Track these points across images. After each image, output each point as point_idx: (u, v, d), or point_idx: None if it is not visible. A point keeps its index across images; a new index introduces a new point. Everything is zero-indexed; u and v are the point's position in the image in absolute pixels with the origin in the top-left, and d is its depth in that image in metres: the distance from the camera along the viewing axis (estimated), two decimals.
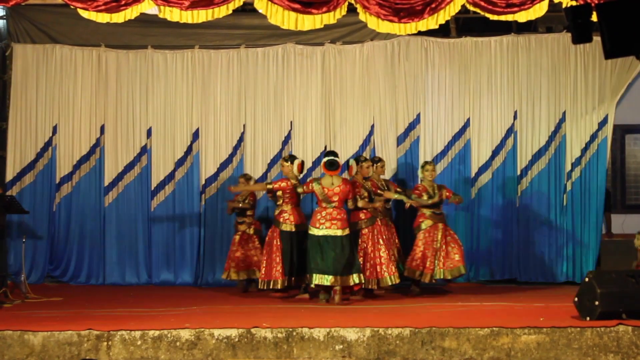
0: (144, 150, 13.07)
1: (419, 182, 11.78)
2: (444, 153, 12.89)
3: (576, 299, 9.10)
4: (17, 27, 13.08)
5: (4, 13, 13.13)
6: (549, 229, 12.71)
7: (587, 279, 9.06)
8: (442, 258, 11.38)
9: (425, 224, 11.47)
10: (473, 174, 12.87)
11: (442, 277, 11.39)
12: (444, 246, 11.40)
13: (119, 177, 13.03)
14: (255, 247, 12.04)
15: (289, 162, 11.42)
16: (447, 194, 11.63)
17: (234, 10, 10.21)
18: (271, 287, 11.22)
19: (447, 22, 10.81)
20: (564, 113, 12.79)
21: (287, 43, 13.02)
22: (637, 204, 13.43)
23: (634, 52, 8.91)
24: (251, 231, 12.09)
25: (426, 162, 11.78)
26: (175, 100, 13.07)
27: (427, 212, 11.50)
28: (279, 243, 11.26)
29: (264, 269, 11.27)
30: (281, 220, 11.33)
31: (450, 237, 11.49)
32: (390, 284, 11.21)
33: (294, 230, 11.30)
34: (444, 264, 11.37)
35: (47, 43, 13.09)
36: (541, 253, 12.72)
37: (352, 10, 10.26)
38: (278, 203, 11.43)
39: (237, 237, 12.08)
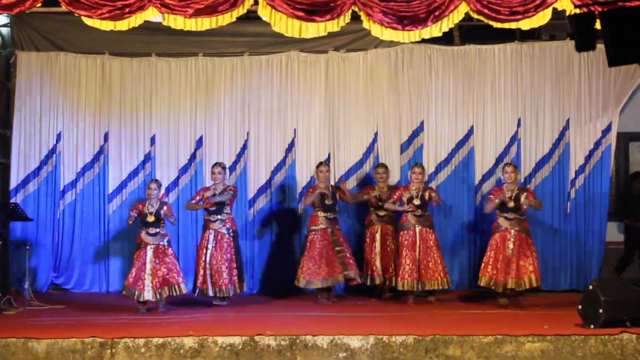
0: (148, 157, 13.07)
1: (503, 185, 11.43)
2: (447, 161, 12.88)
3: (580, 306, 9.11)
4: (21, 35, 13.10)
5: (8, 21, 13.15)
6: (552, 237, 12.69)
7: (591, 287, 9.07)
8: (512, 267, 10.97)
9: (498, 229, 11.15)
10: (477, 182, 12.87)
11: (512, 287, 10.98)
12: (514, 254, 10.99)
13: (123, 184, 13.03)
14: (172, 261, 11.10)
15: (225, 170, 11.69)
16: (528, 196, 11.19)
17: (237, 18, 10.22)
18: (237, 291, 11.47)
19: (451, 29, 10.84)
20: (568, 121, 12.79)
21: (291, 51, 13.03)
22: None
23: (637, 59, 8.91)
24: (165, 243, 11.14)
25: (505, 164, 11.57)
26: (179, 107, 13.07)
27: (500, 217, 11.18)
28: (235, 250, 11.47)
29: (234, 277, 11.36)
30: (234, 226, 11.57)
31: (525, 245, 11.05)
32: (436, 288, 11.48)
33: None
34: (514, 274, 10.94)
35: (51, 51, 13.10)
36: (545, 260, 12.67)
37: (355, 18, 10.27)
38: (227, 211, 11.52)
39: (149, 251, 11.00)
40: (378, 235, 11.91)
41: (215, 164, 11.69)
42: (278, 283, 12.80)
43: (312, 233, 11.78)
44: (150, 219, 11.09)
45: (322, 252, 11.64)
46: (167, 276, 10.97)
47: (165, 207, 11.24)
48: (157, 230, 11.10)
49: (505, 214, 11.13)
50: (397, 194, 11.63)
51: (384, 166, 12.21)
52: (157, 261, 10.97)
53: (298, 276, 11.68)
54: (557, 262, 12.71)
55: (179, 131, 13.07)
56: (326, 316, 10.39)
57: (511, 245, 11.02)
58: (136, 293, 10.83)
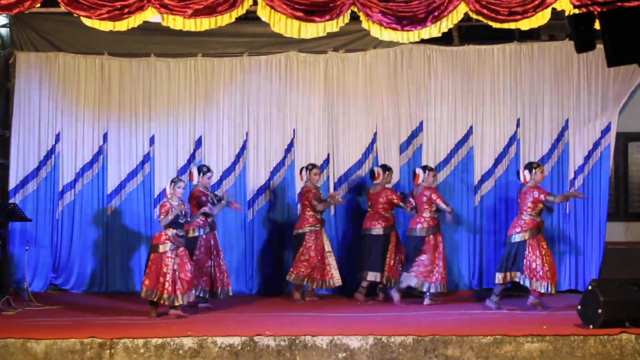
0: (147, 158, 13.06)
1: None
2: (446, 161, 12.88)
3: (579, 307, 9.11)
4: (20, 35, 13.09)
5: (7, 21, 13.14)
6: (551, 237, 12.69)
7: (590, 287, 9.07)
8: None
9: (538, 230, 10.91)
10: (476, 182, 12.86)
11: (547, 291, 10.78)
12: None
13: (122, 185, 13.01)
14: (192, 262, 10.61)
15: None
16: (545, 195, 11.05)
17: (237, 18, 10.22)
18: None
19: (450, 30, 10.81)
20: (567, 121, 12.80)
21: (290, 51, 13.02)
22: None
23: (636, 60, 8.91)
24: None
25: (538, 165, 11.35)
26: (178, 108, 13.06)
27: (538, 218, 10.95)
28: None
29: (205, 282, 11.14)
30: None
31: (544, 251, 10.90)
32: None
33: None
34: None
35: (50, 51, 13.09)
36: None
37: (355, 18, 10.27)
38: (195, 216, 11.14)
39: (176, 255, 10.33)
40: (396, 239, 11.94)
41: (208, 168, 11.58)
42: (277, 283, 12.81)
43: (307, 234, 11.89)
44: (184, 219, 10.47)
45: (317, 254, 11.83)
46: (188, 282, 10.31)
47: (188, 206, 10.80)
48: (183, 232, 10.58)
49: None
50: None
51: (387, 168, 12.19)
52: (182, 264, 10.32)
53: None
54: (556, 262, 12.68)
55: (178, 132, 13.06)
56: (325, 316, 10.38)
57: (545, 246, 10.94)
58: (172, 298, 10.19)
